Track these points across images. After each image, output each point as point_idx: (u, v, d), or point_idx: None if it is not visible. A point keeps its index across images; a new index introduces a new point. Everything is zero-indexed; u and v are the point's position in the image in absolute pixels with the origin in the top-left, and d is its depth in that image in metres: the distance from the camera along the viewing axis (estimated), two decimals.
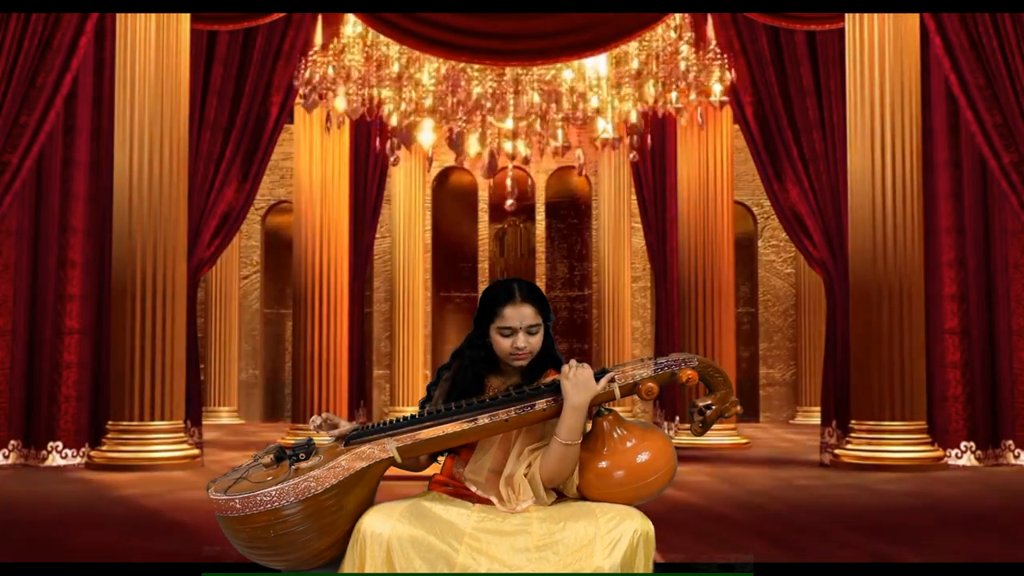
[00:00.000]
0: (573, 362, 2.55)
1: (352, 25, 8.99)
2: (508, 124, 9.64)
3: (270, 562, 2.56)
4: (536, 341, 2.68)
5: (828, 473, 7.68)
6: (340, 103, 8.86)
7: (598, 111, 9.61)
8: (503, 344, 2.68)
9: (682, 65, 8.71)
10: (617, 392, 2.56)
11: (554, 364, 2.74)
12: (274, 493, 2.43)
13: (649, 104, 9.06)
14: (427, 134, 10.27)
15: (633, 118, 9.33)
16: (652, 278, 13.07)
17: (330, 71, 8.58)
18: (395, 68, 8.88)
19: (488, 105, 9.22)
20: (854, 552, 4.77)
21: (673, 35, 8.93)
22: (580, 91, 9.48)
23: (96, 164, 8.36)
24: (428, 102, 9.30)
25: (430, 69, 9.32)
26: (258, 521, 2.44)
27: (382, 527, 2.46)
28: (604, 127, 9.86)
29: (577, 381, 2.52)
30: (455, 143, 9.45)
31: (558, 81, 9.38)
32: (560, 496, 2.64)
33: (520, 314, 2.66)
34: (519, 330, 2.66)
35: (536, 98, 9.30)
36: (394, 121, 9.31)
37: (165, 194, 7.81)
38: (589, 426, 2.66)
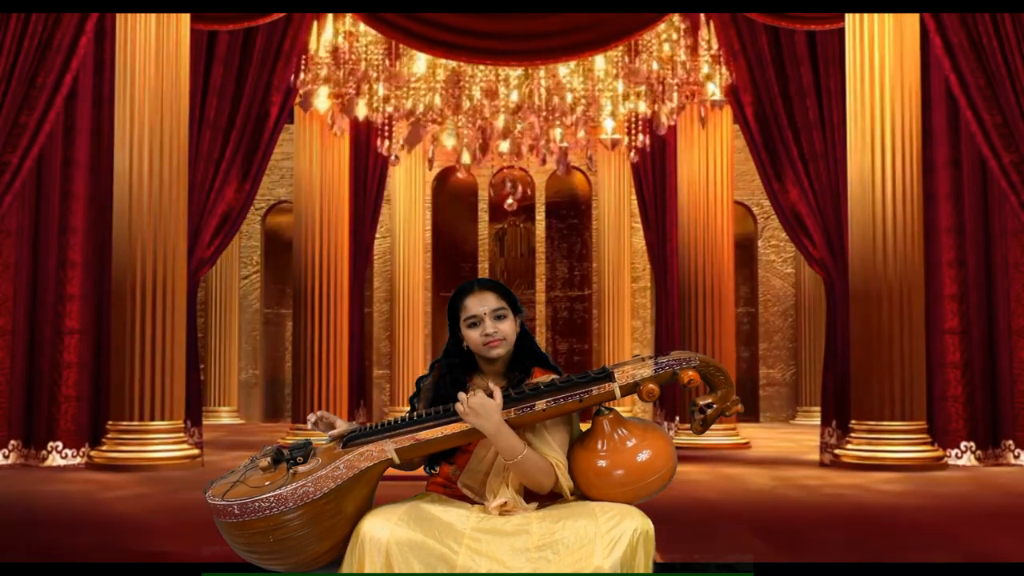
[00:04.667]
0: (461, 396, 2.53)
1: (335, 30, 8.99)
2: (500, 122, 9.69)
3: (269, 565, 2.55)
4: (506, 327, 2.68)
5: (828, 473, 7.68)
6: (322, 104, 8.89)
7: (612, 114, 9.66)
8: (474, 337, 2.68)
9: (658, 67, 8.75)
10: (617, 392, 2.56)
11: (539, 362, 2.74)
12: (272, 499, 2.42)
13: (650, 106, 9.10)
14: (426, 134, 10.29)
15: (642, 108, 9.35)
16: (652, 278, 13.07)
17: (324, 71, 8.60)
18: (363, 67, 8.86)
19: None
20: (854, 552, 4.76)
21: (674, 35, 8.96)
22: (584, 91, 9.53)
23: (96, 164, 8.36)
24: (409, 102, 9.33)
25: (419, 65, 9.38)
26: (256, 527, 2.43)
27: (380, 532, 2.45)
28: (610, 128, 9.90)
29: (476, 412, 2.51)
30: (412, 139, 9.47)
31: (563, 82, 9.44)
32: (557, 496, 2.64)
33: (482, 300, 2.68)
34: (484, 316, 2.66)
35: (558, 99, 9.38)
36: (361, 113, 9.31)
37: (165, 194, 7.80)
38: (589, 425, 2.66)
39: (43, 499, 6.43)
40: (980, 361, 8.24)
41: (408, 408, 2.78)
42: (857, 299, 7.77)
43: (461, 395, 2.54)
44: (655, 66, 8.77)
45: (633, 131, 9.91)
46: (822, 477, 7.48)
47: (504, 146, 9.84)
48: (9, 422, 8.15)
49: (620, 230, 14.50)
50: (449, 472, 2.70)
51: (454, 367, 2.73)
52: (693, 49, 8.82)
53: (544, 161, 10.27)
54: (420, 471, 2.74)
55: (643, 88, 9.13)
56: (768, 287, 15.08)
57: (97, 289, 8.32)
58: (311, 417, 2.68)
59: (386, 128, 9.83)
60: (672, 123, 9.40)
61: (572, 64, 9.47)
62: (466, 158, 9.96)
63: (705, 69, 8.68)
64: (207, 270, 9.09)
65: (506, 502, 2.57)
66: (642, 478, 2.57)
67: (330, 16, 8.89)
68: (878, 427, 7.60)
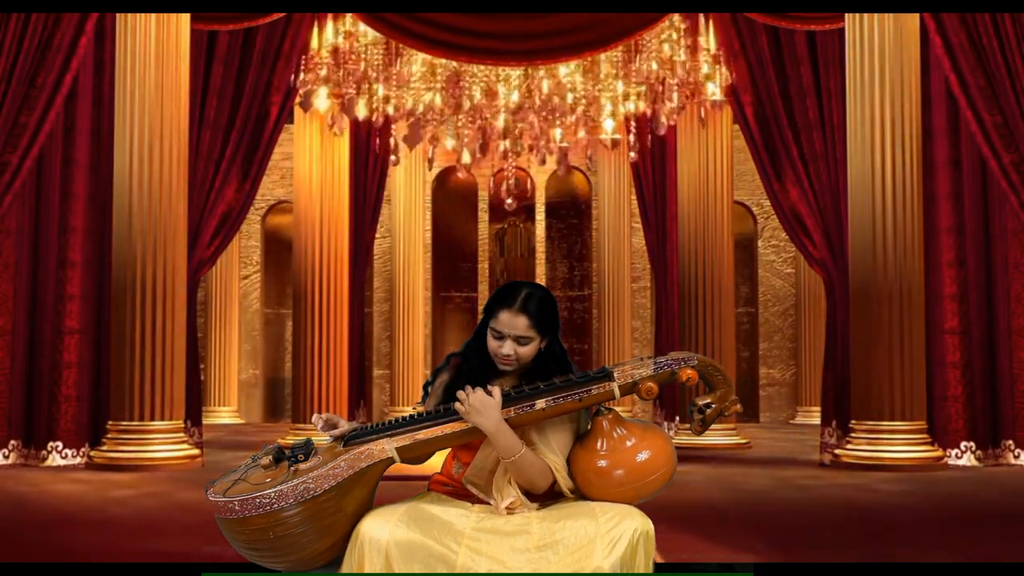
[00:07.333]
0: (460, 394, 2.53)
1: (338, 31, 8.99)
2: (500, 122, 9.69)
3: (269, 563, 2.56)
4: (525, 352, 2.66)
5: (828, 473, 7.68)
6: (322, 103, 8.89)
7: (612, 114, 9.67)
8: (492, 345, 2.68)
9: (657, 67, 8.75)
10: (616, 391, 2.56)
11: (564, 371, 2.72)
12: (273, 495, 2.43)
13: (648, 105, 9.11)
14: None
15: (642, 108, 9.35)
16: (652, 278, 13.06)
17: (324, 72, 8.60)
18: (362, 66, 8.87)
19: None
20: (854, 552, 4.77)
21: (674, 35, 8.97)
22: (583, 91, 9.54)
23: (96, 164, 8.36)
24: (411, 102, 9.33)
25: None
26: (257, 523, 2.44)
27: (380, 532, 2.46)
28: (610, 128, 9.90)
29: (476, 409, 2.51)
30: (411, 138, 9.44)
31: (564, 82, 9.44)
32: (558, 496, 2.64)
33: (512, 322, 2.65)
34: (507, 337, 2.66)
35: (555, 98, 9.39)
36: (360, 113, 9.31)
37: (165, 194, 7.80)
38: (589, 425, 2.66)
39: (43, 499, 6.43)
40: (980, 361, 8.24)
41: (428, 379, 2.81)
42: (857, 299, 7.76)
43: (460, 393, 2.54)
44: (654, 66, 8.77)
45: (633, 131, 9.90)
46: (822, 477, 7.48)
47: (504, 144, 9.84)
48: (9, 422, 8.15)
49: (620, 230, 14.49)
50: (452, 469, 2.70)
51: (480, 350, 2.73)
52: (693, 49, 8.82)
53: (543, 161, 10.29)
54: (425, 468, 2.74)
55: (643, 88, 9.12)
56: (768, 287, 15.08)
57: (97, 289, 8.33)
58: (316, 420, 2.68)
59: (386, 128, 9.82)
60: (672, 123, 9.41)
61: (572, 64, 9.47)
62: (466, 157, 9.96)
63: (704, 69, 8.67)
64: (207, 270, 9.09)
65: (514, 500, 2.57)
66: (642, 478, 2.57)
67: (329, 16, 8.88)
68: (878, 427, 7.60)
